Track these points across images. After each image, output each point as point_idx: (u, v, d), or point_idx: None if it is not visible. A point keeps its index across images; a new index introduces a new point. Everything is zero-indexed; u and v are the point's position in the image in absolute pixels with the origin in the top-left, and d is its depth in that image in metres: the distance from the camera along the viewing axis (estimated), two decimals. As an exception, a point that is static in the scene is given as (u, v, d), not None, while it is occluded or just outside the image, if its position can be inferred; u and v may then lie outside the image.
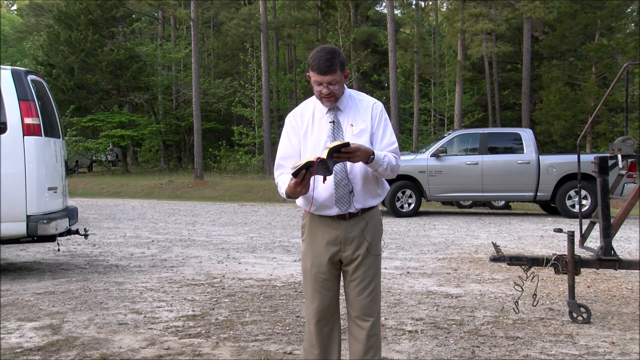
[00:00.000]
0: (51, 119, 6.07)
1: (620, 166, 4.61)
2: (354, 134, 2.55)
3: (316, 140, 2.57)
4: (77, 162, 27.43)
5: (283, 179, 2.61)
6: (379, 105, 2.66)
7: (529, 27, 23.18)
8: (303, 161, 2.33)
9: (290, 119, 2.67)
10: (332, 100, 2.56)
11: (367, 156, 2.42)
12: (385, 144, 2.60)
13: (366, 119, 2.60)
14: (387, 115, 2.68)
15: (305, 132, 2.60)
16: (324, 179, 2.44)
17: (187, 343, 3.74)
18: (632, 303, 4.79)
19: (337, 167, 2.50)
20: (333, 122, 2.58)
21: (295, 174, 2.33)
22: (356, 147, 2.37)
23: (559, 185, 11.10)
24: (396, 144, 2.65)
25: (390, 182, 11.19)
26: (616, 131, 23.21)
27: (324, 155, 2.29)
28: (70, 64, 24.59)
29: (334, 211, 2.54)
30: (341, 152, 2.34)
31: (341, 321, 2.76)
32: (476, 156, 11.38)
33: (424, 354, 3.55)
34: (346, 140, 2.48)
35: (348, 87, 2.68)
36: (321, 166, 2.31)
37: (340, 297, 2.71)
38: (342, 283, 2.69)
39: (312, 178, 2.40)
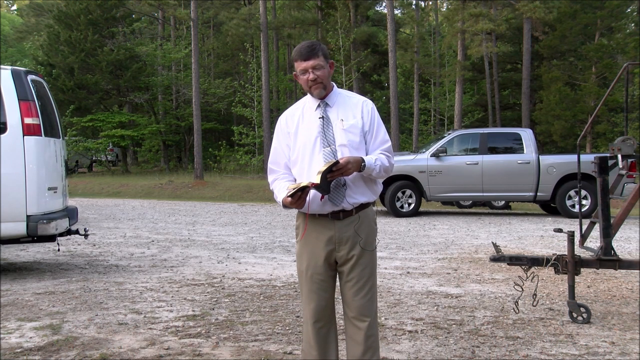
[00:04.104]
0: (51, 119, 6.07)
1: (620, 166, 4.62)
2: (344, 129, 2.55)
3: (306, 137, 2.57)
4: (77, 162, 27.43)
5: (278, 187, 2.63)
6: (370, 103, 2.66)
7: (529, 27, 23.17)
8: (298, 185, 2.39)
9: (281, 122, 2.69)
10: (320, 87, 2.56)
11: (358, 165, 2.45)
12: (379, 142, 2.60)
13: (357, 115, 2.59)
14: (378, 114, 2.67)
15: (296, 130, 2.61)
16: (322, 197, 2.47)
17: (187, 343, 3.74)
18: (632, 303, 4.79)
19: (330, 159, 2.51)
20: (322, 117, 2.57)
21: (291, 195, 2.40)
22: (345, 160, 2.41)
23: (559, 185, 11.10)
24: (389, 143, 2.65)
25: (390, 182, 11.21)
26: (616, 131, 23.21)
27: (317, 180, 2.35)
28: (70, 64, 24.59)
29: (328, 207, 2.52)
30: (334, 171, 2.39)
31: (338, 321, 2.77)
32: (476, 156, 11.38)
33: (424, 354, 3.55)
34: (339, 141, 2.53)
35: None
36: (317, 189, 2.39)
37: (337, 297, 2.71)
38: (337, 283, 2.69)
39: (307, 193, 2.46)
